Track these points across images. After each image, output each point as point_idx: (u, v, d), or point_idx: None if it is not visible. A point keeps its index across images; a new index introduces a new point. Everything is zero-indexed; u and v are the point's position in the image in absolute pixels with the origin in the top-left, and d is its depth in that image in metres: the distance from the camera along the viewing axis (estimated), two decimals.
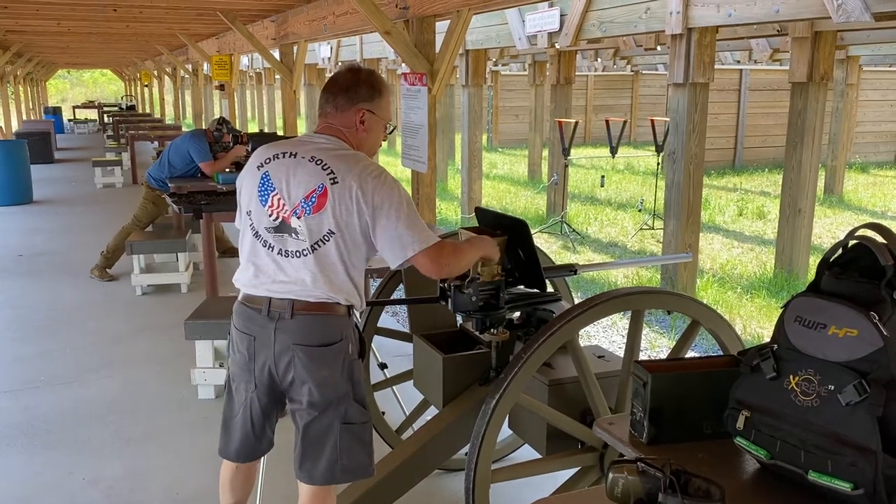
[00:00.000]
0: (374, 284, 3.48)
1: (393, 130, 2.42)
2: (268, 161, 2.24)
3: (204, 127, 8.98)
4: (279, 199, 2.17)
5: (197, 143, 6.43)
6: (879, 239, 1.45)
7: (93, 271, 6.64)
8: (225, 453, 2.41)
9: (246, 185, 2.28)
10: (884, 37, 9.27)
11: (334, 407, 2.20)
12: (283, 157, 2.22)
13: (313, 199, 2.13)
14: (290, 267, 2.16)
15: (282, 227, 2.17)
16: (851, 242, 1.50)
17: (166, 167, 6.46)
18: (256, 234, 2.23)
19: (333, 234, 2.13)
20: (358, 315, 2.35)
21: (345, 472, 2.24)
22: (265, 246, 2.20)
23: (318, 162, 2.16)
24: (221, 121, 6.63)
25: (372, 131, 2.29)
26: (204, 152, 6.39)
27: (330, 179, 2.12)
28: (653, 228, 9.21)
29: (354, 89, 2.25)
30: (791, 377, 1.47)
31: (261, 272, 2.21)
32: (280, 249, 2.18)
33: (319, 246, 2.14)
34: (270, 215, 2.18)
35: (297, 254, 2.15)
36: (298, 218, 2.14)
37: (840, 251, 1.51)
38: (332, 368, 2.18)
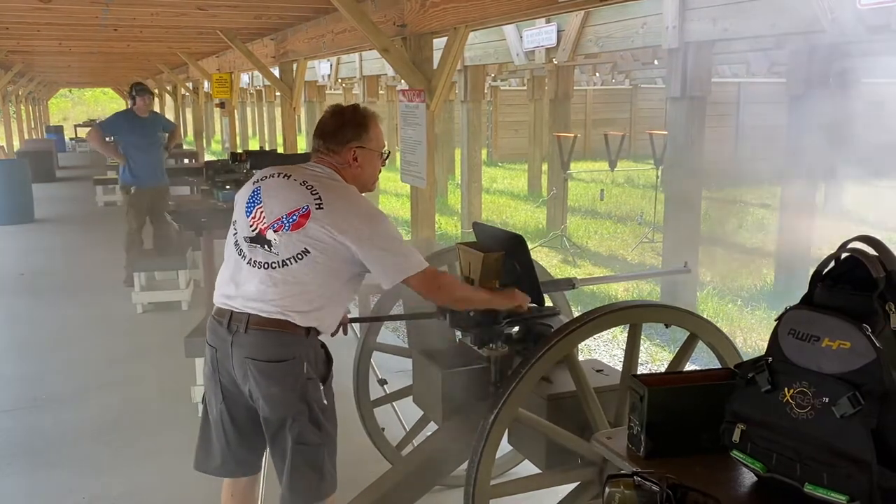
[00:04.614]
0: (374, 301, 3.49)
1: (388, 155, 2.50)
2: (264, 178, 2.35)
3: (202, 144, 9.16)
4: (261, 212, 2.26)
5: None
6: (871, 251, 1.46)
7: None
8: (202, 467, 2.47)
9: (240, 199, 2.38)
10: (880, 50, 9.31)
11: (288, 425, 2.24)
12: (278, 177, 2.32)
13: (294, 217, 2.19)
14: (254, 277, 2.22)
15: (257, 238, 2.24)
16: (844, 255, 1.51)
17: None
18: (236, 244, 2.31)
19: (308, 253, 2.18)
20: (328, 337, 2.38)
21: (292, 493, 2.26)
22: (239, 254, 2.28)
23: (309, 187, 2.24)
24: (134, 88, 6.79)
25: (367, 165, 2.39)
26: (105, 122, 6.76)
27: (316, 204, 2.20)
28: (653, 241, 9.21)
29: (342, 132, 2.34)
30: (786, 390, 1.47)
31: (231, 280, 2.29)
32: (250, 259, 2.24)
33: (290, 263, 2.19)
34: (250, 226, 2.27)
35: (264, 265, 2.21)
36: (275, 231, 2.21)
37: (832, 264, 1.52)
38: (283, 386, 2.22)
